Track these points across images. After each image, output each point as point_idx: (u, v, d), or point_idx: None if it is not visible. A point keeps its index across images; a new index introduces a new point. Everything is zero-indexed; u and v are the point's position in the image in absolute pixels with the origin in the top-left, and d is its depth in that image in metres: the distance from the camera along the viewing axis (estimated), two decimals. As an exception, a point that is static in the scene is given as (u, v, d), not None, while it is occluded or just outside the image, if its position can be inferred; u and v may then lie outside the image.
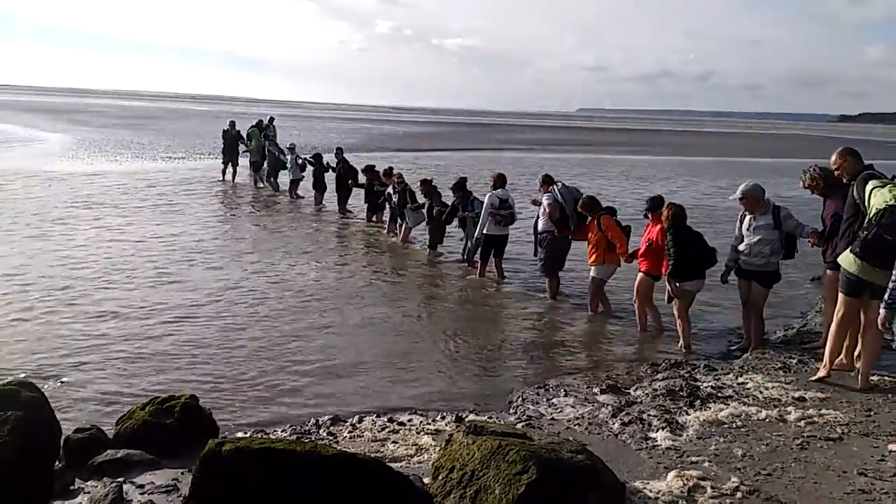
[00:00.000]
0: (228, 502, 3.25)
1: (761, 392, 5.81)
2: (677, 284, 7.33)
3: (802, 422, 5.14)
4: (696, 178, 28.18)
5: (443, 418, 5.55)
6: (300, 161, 18.05)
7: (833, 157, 5.98)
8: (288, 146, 18.98)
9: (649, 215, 8.00)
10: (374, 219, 14.97)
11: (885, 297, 4.41)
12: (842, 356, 6.14)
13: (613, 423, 5.23)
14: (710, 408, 5.46)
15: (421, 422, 5.45)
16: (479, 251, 10.74)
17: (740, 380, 6.18)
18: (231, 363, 6.77)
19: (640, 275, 8.05)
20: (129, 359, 6.77)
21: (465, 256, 11.53)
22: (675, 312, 7.56)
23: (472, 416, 5.50)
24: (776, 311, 8.69)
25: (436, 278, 10.92)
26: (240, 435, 4.89)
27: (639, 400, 5.81)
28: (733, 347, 7.54)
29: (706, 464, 4.45)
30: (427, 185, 12.36)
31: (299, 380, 6.47)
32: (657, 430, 5.02)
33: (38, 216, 13.70)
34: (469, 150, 39.38)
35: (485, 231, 10.37)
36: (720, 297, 8.84)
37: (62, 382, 6.15)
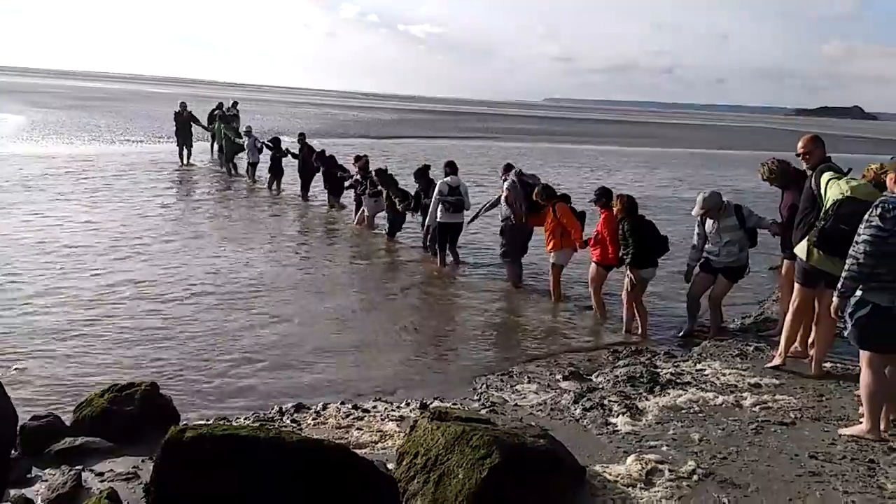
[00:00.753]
0: (191, 489, 3.22)
1: (719, 378, 5.97)
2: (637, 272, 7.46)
3: (757, 407, 5.29)
4: (656, 169, 28.53)
5: (407, 405, 5.56)
6: (258, 144, 17.95)
7: (802, 142, 5.92)
8: (244, 129, 18.87)
9: (596, 205, 8.12)
10: (334, 205, 15.00)
11: (839, 286, 4.54)
12: (796, 344, 6.33)
13: (575, 409, 5.32)
14: (668, 394, 5.59)
15: (385, 408, 5.46)
16: (434, 240, 10.74)
17: (698, 366, 6.33)
18: (191, 352, 6.68)
19: (592, 264, 8.20)
20: (86, 346, 6.63)
21: (426, 244, 11.53)
22: (625, 299, 7.71)
23: (436, 403, 5.54)
24: (734, 300, 8.87)
25: (398, 266, 10.91)
26: (202, 423, 4.84)
27: (600, 386, 5.92)
28: (680, 334, 7.66)
29: (664, 448, 4.55)
30: (383, 174, 12.28)
31: (261, 368, 6.41)
32: (617, 416, 5.12)
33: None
34: (435, 137, 39.24)
35: (438, 219, 10.38)
36: (677, 286, 9.00)
37: (17, 369, 5.99)
